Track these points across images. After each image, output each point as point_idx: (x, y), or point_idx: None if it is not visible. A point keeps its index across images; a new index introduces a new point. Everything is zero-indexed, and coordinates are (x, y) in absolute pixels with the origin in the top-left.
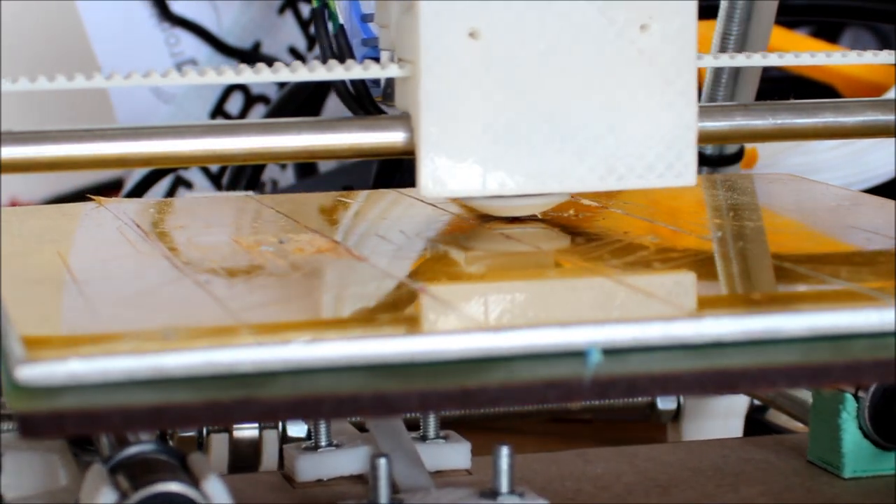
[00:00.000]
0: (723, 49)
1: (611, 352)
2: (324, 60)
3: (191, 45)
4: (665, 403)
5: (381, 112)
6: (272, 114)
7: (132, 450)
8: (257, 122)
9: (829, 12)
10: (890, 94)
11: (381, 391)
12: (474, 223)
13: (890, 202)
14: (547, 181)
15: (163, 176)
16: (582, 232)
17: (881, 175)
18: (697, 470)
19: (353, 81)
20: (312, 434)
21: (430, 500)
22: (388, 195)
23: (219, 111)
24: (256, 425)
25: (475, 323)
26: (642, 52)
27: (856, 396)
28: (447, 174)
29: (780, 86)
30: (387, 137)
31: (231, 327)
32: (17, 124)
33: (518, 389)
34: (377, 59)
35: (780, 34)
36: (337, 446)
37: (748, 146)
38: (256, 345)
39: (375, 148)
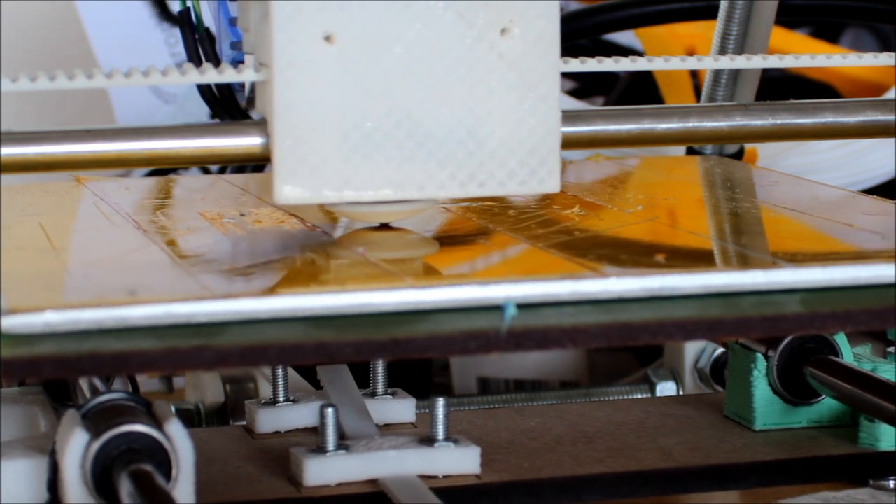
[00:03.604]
0: (723, 49)
1: (525, 306)
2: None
3: None
4: None
5: (246, 118)
6: None
7: (103, 398)
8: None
9: (829, 12)
10: (890, 94)
11: (322, 340)
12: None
13: (890, 202)
14: (406, 188)
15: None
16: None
17: (881, 175)
18: (622, 424)
19: (218, 86)
20: (272, 390)
21: (373, 445)
22: None
23: None
24: None
25: (404, 280)
26: (503, 56)
27: (766, 356)
28: (302, 181)
29: (780, 86)
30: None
31: (190, 286)
32: (16, 124)
33: (442, 339)
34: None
35: (780, 34)
36: (294, 402)
37: (748, 146)
38: (211, 299)
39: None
